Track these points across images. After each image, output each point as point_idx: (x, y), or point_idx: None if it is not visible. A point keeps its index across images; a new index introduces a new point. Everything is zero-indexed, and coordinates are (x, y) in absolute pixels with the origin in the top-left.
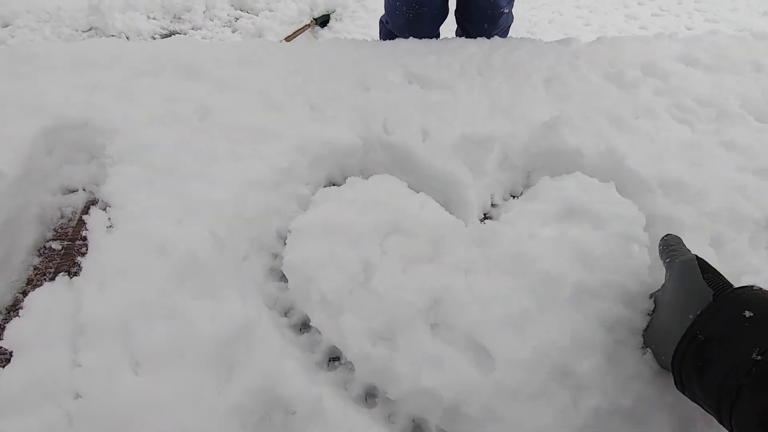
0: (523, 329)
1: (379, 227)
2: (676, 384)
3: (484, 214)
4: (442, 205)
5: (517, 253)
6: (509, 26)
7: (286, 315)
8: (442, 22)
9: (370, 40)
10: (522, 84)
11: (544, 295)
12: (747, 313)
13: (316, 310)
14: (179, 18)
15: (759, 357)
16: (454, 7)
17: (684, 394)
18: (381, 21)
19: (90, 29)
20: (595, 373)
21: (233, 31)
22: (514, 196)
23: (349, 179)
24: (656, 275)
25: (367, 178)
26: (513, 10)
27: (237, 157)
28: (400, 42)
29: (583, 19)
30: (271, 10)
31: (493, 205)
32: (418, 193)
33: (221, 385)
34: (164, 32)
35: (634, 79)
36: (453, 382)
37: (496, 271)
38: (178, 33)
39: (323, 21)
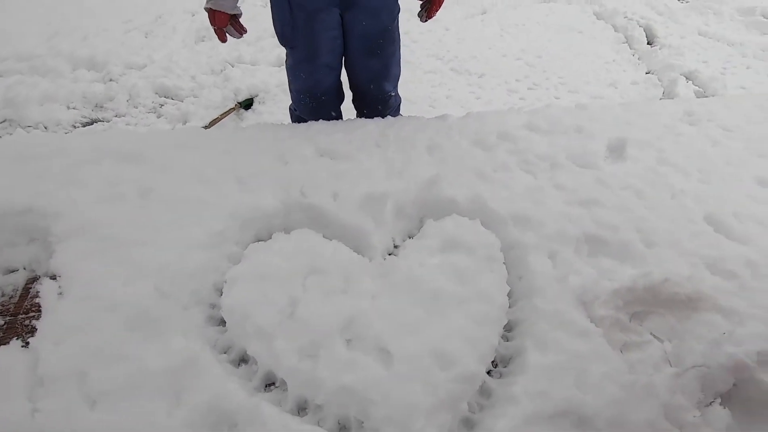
0: (416, 332)
1: (300, 270)
2: None
3: (389, 254)
4: (352, 249)
5: (411, 278)
6: (399, 105)
7: (225, 353)
8: (341, 104)
9: (288, 123)
10: (410, 151)
11: (432, 305)
12: None
13: (252, 340)
14: (101, 107)
15: None
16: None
17: None
18: (290, 109)
19: (4, 121)
20: (462, 351)
21: (158, 117)
22: (411, 237)
23: (274, 235)
24: (512, 283)
25: (289, 233)
26: (407, 93)
27: (177, 225)
28: (312, 124)
29: (474, 93)
30: (195, 96)
31: (395, 246)
32: (331, 240)
33: (171, 409)
34: (85, 120)
35: (493, 143)
36: (364, 377)
37: (395, 293)
38: (100, 121)
39: (247, 104)
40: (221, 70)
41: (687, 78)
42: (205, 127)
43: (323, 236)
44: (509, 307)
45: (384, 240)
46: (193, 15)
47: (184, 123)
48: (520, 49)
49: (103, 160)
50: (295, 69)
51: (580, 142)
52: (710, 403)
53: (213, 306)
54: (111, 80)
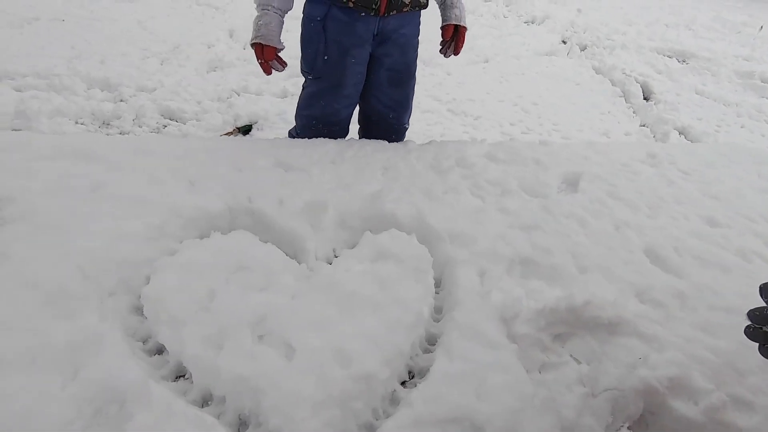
0: (324, 330)
1: (227, 266)
2: None
3: (329, 263)
4: (286, 253)
5: (332, 281)
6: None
7: (144, 342)
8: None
9: None
10: (364, 170)
11: (346, 307)
12: None
13: (163, 327)
14: (108, 124)
15: None
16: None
17: None
18: (290, 133)
19: (12, 131)
20: (365, 352)
21: None
22: (351, 248)
23: (212, 234)
24: (440, 298)
25: (227, 234)
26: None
27: (116, 217)
28: (275, 140)
29: (468, 134)
30: (198, 120)
31: (335, 256)
32: (266, 243)
33: (66, 383)
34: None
35: (448, 167)
36: (262, 369)
37: (314, 294)
38: None
39: (246, 130)
40: (227, 98)
41: (680, 132)
42: None
43: (260, 239)
44: (437, 322)
45: (322, 247)
46: (209, 47)
47: None
48: (518, 96)
49: (60, 157)
50: (315, 97)
51: (535, 173)
52: (619, 428)
53: (140, 297)
54: (121, 101)
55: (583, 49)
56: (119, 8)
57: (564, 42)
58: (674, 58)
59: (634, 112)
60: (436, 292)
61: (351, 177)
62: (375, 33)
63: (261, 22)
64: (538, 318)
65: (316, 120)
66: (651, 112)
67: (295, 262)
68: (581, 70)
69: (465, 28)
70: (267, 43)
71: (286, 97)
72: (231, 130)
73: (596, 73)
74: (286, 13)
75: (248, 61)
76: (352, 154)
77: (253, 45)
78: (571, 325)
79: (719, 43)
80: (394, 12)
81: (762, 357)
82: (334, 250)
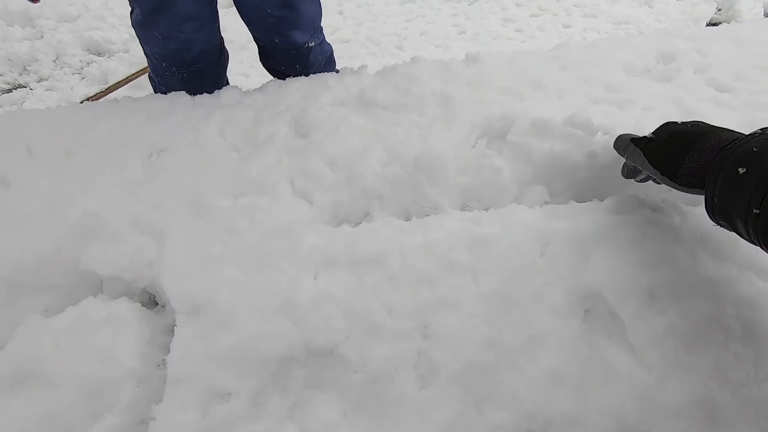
0: None
1: None
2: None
3: None
4: None
5: None
6: (330, 57)
7: None
8: (224, 70)
9: None
10: (106, 166)
11: None
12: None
13: None
14: (26, 69)
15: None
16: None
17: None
18: (149, 77)
19: None
20: None
21: (82, 78)
22: None
23: None
24: None
25: None
26: (372, 31)
27: None
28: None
29: (458, 27)
30: (126, 51)
31: None
32: None
33: None
34: (7, 87)
35: (268, 137)
36: None
37: None
38: (22, 86)
39: None
40: None
41: None
42: (92, 98)
43: None
44: None
45: None
46: None
47: (105, 83)
48: None
49: None
50: (144, 26)
51: (429, 130)
52: None
53: None
54: (42, 37)
55: None
56: None
57: None
58: None
59: None
60: None
61: (69, 188)
62: None
63: None
64: None
65: (167, 61)
66: None
67: None
68: None
69: None
70: None
71: (232, 6)
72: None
73: None
74: None
75: None
76: (105, 130)
77: None
78: None
79: None
80: None
81: None
82: None
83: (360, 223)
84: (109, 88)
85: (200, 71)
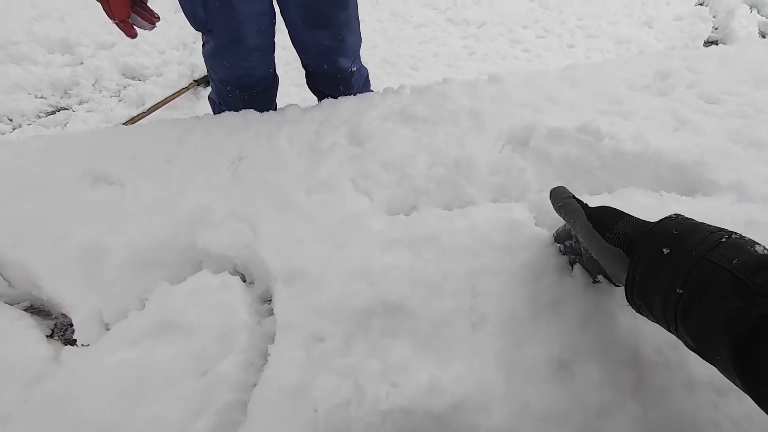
0: None
1: None
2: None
3: None
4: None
5: None
6: (366, 79)
7: None
8: (276, 92)
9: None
10: (203, 168)
11: None
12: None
13: None
14: (67, 93)
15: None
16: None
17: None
18: (209, 99)
19: None
20: None
21: (120, 100)
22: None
23: None
24: None
25: None
26: (388, 53)
27: None
28: (94, 133)
29: (468, 48)
30: (159, 75)
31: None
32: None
33: None
34: (51, 109)
35: (331, 145)
36: None
37: None
38: (64, 109)
39: (206, 81)
40: (192, 42)
41: (752, 7)
42: (132, 120)
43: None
44: None
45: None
46: None
47: (142, 104)
48: None
49: None
50: (215, 57)
51: (463, 140)
52: None
53: None
54: (81, 63)
55: None
56: None
57: None
58: None
59: None
60: None
61: (174, 188)
62: None
63: None
64: None
65: (231, 85)
66: None
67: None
68: None
69: None
70: None
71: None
72: (187, 84)
73: None
74: None
75: None
76: (194, 143)
77: None
78: None
79: None
80: None
81: None
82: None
83: (410, 213)
84: (149, 109)
85: (258, 93)
